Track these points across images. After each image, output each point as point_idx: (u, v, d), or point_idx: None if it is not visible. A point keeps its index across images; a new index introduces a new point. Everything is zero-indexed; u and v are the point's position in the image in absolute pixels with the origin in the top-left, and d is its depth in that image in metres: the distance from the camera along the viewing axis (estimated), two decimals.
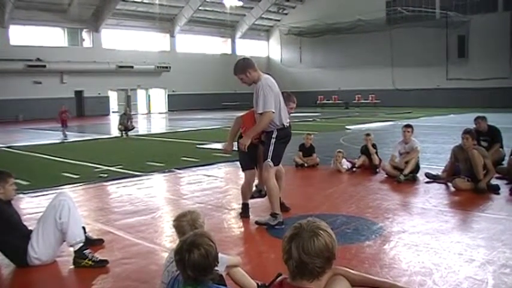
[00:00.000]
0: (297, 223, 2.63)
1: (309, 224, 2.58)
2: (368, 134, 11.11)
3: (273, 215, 6.53)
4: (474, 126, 10.73)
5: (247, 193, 7.14)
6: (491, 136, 10.72)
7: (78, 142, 19.73)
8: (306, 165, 11.25)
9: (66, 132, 22.31)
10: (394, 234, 6.11)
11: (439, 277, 4.65)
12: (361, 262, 5.11)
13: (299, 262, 2.49)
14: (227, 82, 49.66)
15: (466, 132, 8.77)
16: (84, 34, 42.62)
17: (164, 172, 11.33)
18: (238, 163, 10.99)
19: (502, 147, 10.68)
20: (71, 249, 5.21)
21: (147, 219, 7.15)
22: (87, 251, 5.19)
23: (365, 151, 10.90)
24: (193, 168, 11.73)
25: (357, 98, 46.43)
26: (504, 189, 8.38)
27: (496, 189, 8.33)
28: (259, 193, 7.22)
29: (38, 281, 5.04)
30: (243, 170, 7.18)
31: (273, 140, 6.51)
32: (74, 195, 8.40)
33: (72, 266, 5.19)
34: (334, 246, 2.55)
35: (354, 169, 10.80)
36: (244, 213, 7.10)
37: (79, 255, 5.15)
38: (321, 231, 2.54)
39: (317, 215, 6.42)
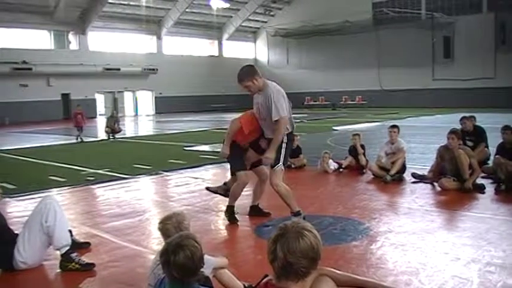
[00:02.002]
0: (281, 224, 2.64)
1: (294, 225, 2.59)
2: (356, 134, 11.16)
3: (297, 214, 6.49)
4: (460, 126, 10.81)
5: (238, 195, 7.02)
6: (477, 136, 10.80)
7: (65, 145, 19.63)
8: (293, 166, 11.25)
9: (82, 137, 21.07)
10: (381, 234, 6.14)
11: (425, 276, 4.68)
12: (348, 262, 5.13)
13: (284, 263, 2.49)
14: (214, 84, 49.77)
15: (452, 132, 8.84)
16: (71, 37, 42.35)
17: (151, 174, 11.31)
18: (225, 165, 10.99)
19: (487, 146, 10.76)
20: (58, 252, 5.19)
21: (134, 222, 7.14)
22: (73, 254, 5.17)
23: (353, 151, 10.93)
24: (181, 171, 11.72)
25: (344, 99, 46.57)
26: (489, 189, 8.45)
27: (481, 189, 8.40)
28: (225, 192, 7.20)
29: (25, 285, 5.02)
30: (236, 171, 6.93)
31: (284, 145, 6.46)
32: (60, 198, 8.42)
33: (58, 270, 5.16)
34: (319, 247, 2.56)
35: (341, 170, 10.84)
36: (232, 217, 6.95)
37: (66, 258, 5.12)
38: (306, 232, 2.55)
39: (304, 216, 6.46)
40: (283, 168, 6.48)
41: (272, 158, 6.39)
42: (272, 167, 6.48)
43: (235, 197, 7.01)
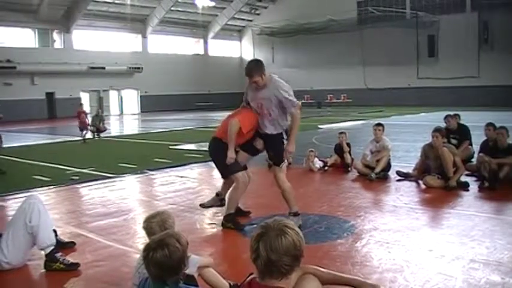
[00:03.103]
0: (263, 222, 2.65)
1: (276, 223, 2.60)
2: (343, 133, 11.19)
3: (295, 214, 6.46)
4: (444, 124, 10.89)
5: (238, 200, 6.75)
6: (461, 134, 10.90)
7: (49, 144, 19.50)
8: None
9: (87, 136, 20.27)
10: (366, 232, 6.17)
11: (409, 273, 4.71)
12: (333, 260, 5.15)
13: (267, 261, 2.50)
14: (200, 82, 49.69)
15: (436, 130, 8.91)
16: (55, 35, 42.05)
17: (136, 173, 11.27)
18: (211, 164, 10.99)
19: (471, 144, 10.86)
20: (42, 252, 5.15)
21: (119, 221, 7.11)
22: (58, 254, 5.14)
23: (338, 150, 10.96)
24: (166, 170, 11.69)
25: (329, 98, 46.62)
26: (473, 186, 8.53)
27: (465, 186, 8.47)
28: (221, 202, 6.98)
29: (9, 285, 4.97)
30: (233, 174, 6.58)
31: (285, 141, 6.50)
32: (45, 198, 8.34)
33: (43, 270, 5.13)
34: (301, 244, 2.57)
35: (326, 168, 10.87)
36: (238, 225, 6.54)
37: (50, 258, 5.10)
38: (288, 230, 2.56)
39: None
40: (284, 165, 6.47)
41: (294, 151, 6.46)
42: (277, 164, 6.45)
43: (235, 203, 6.68)
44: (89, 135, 20.59)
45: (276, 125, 6.44)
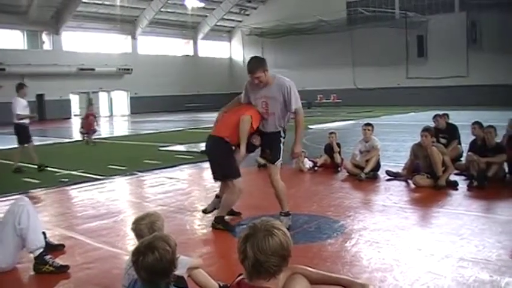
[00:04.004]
0: (251, 223, 2.66)
1: (264, 224, 2.60)
2: (333, 133, 11.22)
3: (286, 214, 6.47)
4: (433, 123, 10.95)
5: (232, 205, 6.78)
6: (450, 133, 10.96)
7: (39, 146, 19.36)
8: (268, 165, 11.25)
9: (93, 140, 19.45)
10: (356, 231, 6.19)
11: (399, 272, 4.74)
12: (323, 260, 5.16)
13: (254, 261, 2.51)
14: (190, 84, 49.60)
15: (425, 129, 8.95)
16: (44, 37, 41.81)
17: (126, 175, 11.24)
18: (200, 164, 11.01)
19: (460, 143, 10.92)
20: (31, 255, 5.13)
21: (109, 223, 7.09)
22: (47, 257, 5.12)
23: (328, 150, 10.99)
24: (156, 171, 11.67)
25: (319, 98, 46.68)
26: (462, 185, 8.58)
27: (454, 185, 8.51)
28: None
29: None
30: (234, 178, 6.45)
31: (282, 140, 6.48)
32: (34, 200, 8.30)
33: (32, 272, 5.11)
34: (289, 244, 2.58)
35: (316, 168, 10.90)
36: (228, 225, 6.53)
37: (39, 261, 5.07)
38: (276, 230, 2.56)
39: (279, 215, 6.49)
40: (279, 164, 6.47)
41: (300, 151, 6.54)
42: (272, 162, 6.44)
43: (228, 207, 6.66)
44: (81, 136, 20.36)
45: (276, 123, 6.43)
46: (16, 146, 12.73)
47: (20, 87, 12.56)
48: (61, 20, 40.68)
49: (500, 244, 5.48)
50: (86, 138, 19.62)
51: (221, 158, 6.44)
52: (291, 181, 9.92)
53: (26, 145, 12.40)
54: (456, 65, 39.41)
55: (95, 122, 20.45)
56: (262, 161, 11.37)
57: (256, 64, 6.24)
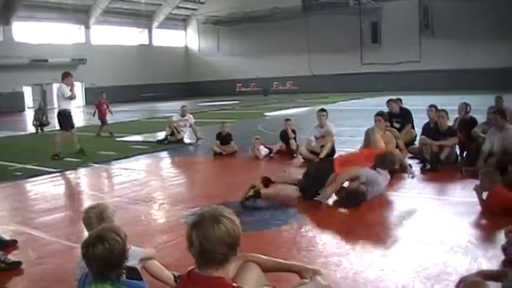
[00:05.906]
0: (200, 211, 2.61)
1: (212, 211, 2.55)
2: (288, 119, 11.24)
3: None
4: (387, 108, 11.06)
5: None
6: (403, 117, 11.06)
7: None
8: (224, 153, 11.23)
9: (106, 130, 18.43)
10: (311, 217, 6.20)
11: (354, 257, 4.78)
12: (279, 247, 5.16)
13: (200, 249, 2.46)
14: (145, 73, 49.02)
15: (378, 114, 9.04)
16: None
17: (81, 167, 11.03)
18: (157, 154, 10.90)
19: (413, 127, 11.04)
20: None
21: (64, 216, 6.98)
22: None
23: (283, 136, 11.01)
24: (112, 162, 11.51)
25: (275, 85, 46.79)
26: (415, 168, 8.67)
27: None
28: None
29: None
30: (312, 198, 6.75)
31: None
32: None
33: None
34: (237, 233, 2.51)
35: (272, 155, 10.90)
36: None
37: None
38: (223, 218, 2.51)
39: (235, 203, 6.48)
40: None
41: None
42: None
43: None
44: (34, 129, 19.87)
45: None
46: None
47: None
48: (11, 10, 39.52)
49: (453, 225, 5.57)
50: (102, 128, 18.74)
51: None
52: (247, 168, 9.95)
53: None
54: (409, 51, 39.92)
55: (106, 112, 19.72)
56: (217, 149, 11.35)
57: None
